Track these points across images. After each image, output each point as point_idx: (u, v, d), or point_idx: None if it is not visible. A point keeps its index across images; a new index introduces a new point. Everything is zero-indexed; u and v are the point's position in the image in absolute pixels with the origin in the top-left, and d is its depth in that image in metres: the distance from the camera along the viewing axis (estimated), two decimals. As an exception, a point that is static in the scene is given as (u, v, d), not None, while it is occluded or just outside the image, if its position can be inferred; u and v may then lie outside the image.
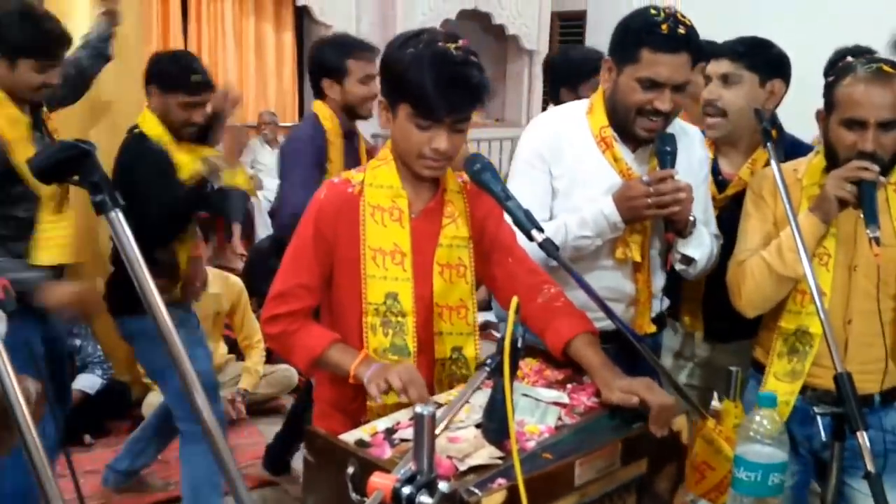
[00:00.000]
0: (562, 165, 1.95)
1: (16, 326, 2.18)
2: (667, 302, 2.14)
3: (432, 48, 1.49)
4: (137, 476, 3.21)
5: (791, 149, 2.14)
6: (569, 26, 7.75)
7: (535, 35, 7.26)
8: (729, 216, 2.11)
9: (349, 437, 1.28)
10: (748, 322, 1.98)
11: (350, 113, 2.83)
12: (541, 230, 1.37)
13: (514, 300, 1.13)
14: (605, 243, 1.94)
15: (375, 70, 2.47)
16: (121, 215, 0.87)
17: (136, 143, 2.68)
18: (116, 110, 3.13)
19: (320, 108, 2.83)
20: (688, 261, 1.95)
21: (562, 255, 1.88)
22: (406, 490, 0.92)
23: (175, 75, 2.66)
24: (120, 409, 3.84)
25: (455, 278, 1.62)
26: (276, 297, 1.59)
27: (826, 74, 1.96)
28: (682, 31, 1.81)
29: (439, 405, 1.34)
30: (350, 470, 1.17)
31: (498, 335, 1.74)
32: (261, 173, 6.36)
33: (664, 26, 1.80)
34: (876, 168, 1.71)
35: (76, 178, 0.88)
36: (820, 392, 1.81)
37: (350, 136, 2.89)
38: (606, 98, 1.95)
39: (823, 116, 1.84)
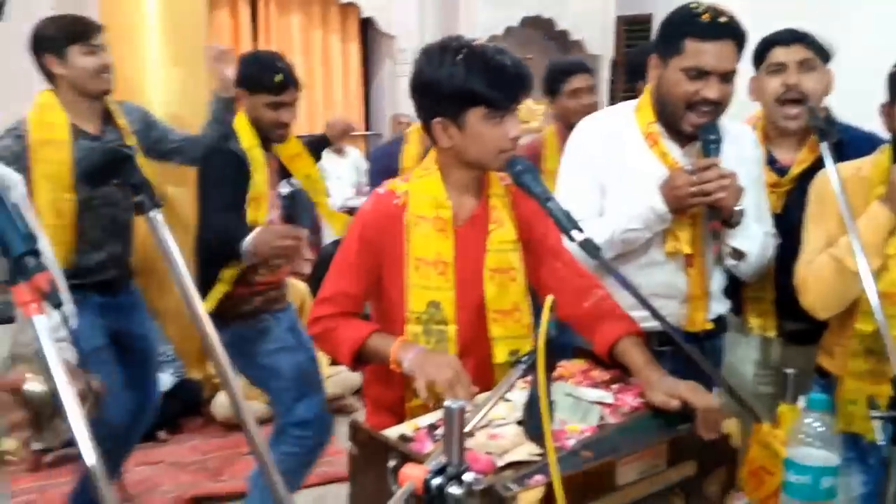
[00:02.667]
0: (610, 163, 1.95)
1: (85, 319, 2.31)
2: (727, 305, 2.09)
3: (472, 49, 1.54)
4: None
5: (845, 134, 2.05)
6: (634, 30, 7.65)
7: (599, 40, 7.19)
8: (797, 200, 2.03)
9: (393, 431, 1.31)
10: (824, 323, 1.92)
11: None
12: (581, 230, 1.36)
13: (549, 298, 1.14)
14: (656, 238, 1.92)
15: None
16: (160, 216, 0.91)
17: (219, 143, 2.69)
18: (186, 122, 3.25)
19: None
20: (738, 255, 1.92)
21: (612, 251, 1.92)
22: (436, 481, 0.93)
23: (258, 76, 2.64)
24: (192, 406, 3.99)
25: (507, 282, 1.63)
26: (320, 301, 1.64)
27: None
28: (723, 19, 1.81)
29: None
30: (391, 463, 1.19)
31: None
32: (327, 181, 6.47)
33: (705, 15, 1.81)
34: None
35: (119, 180, 0.94)
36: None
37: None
38: (654, 94, 1.95)
39: (888, 109, 1.78)
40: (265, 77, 2.63)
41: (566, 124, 3.06)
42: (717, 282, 2.01)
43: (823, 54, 2.15)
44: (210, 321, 0.88)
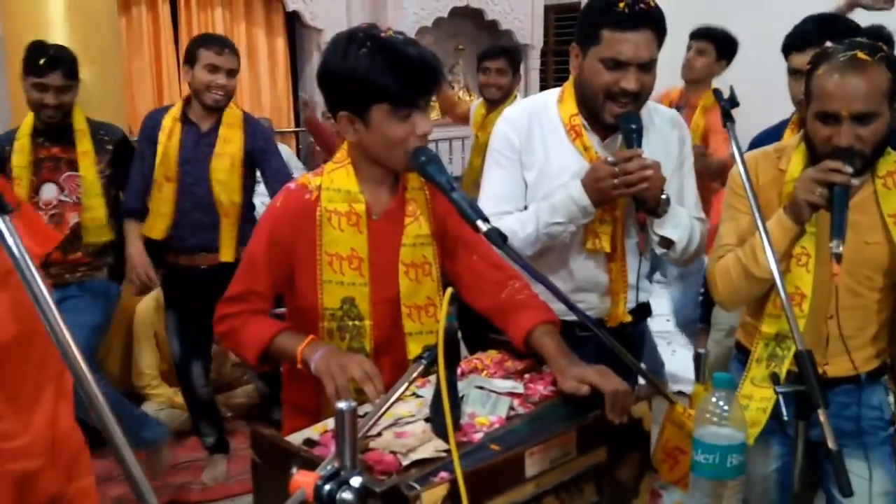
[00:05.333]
0: (532, 155, 1.94)
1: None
2: (648, 293, 2.11)
3: (377, 41, 1.48)
4: None
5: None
6: (563, 19, 7.71)
7: (528, 29, 7.22)
8: None
9: (298, 436, 1.27)
10: None
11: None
12: (486, 220, 1.34)
13: (449, 291, 1.12)
14: (577, 234, 1.92)
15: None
16: (8, 222, 0.86)
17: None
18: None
19: None
20: (667, 243, 1.92)
21: (537, 244, 1.91)
22: (327, 487, 0.90)
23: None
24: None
25: (421, 277, 1.60)
26: (228, 299, 1.59)
27: None
28: (642, 7, 1.79)
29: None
30: (293, 470, 1.15)
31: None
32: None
33: (622, 4, 1.78)
34: (848, 170, 1.60)
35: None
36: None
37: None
38: (575, 85, 1.94)
39: (804, 106, 1.75)
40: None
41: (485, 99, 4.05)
42: (635, 272, 2.00)
43: None
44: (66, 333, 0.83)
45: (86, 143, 3.04)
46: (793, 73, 2.23)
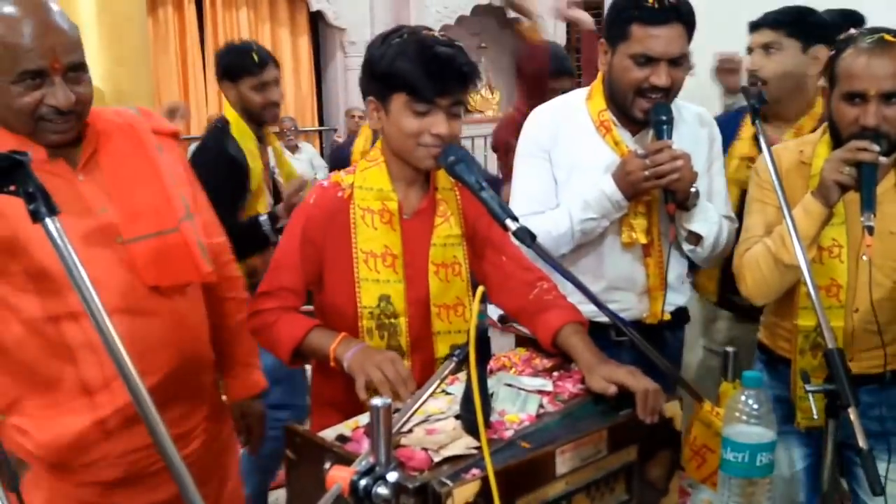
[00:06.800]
0: (561, 153, 1.94)
1: None
2: (686, 296, 2.09)
3: (416, 36, 1.51)
4: None
5: None
6: (586, 15, 7.68)
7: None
8: None
9: (330, 432, 1.29)
10: None
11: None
12: (515, 219, 1.35)
13: (480, 289, 1.13)
14: (612, 229, 1.92)
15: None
16: (57, 223, 0.88)
17: (215, 141, 2.71)
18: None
19: None
20: (695, 239, 1.91)
21: (571, 242, 1.91)
22: (363, 482, 0.92)
23: (236, 63, 2.73)
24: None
25: (451, 277, 1.61)
26: (260, 295, 1.61)
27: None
28: (671, 1, 1.78)
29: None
30: (326, 465, 1.18)
31: (519, 327, 1.72)
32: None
33: (651, 0, 1.77)
34: (876, 148, 1.61)
35: (12, 188, 0.90)
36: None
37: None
38: (604, 81, 1.94)
39: (827, 92, 1.77)
40: (244, 61, 2.71)
41: None
42: (675, 272, 1.99)
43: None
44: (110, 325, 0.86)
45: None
46: (748, 52, 2.30)
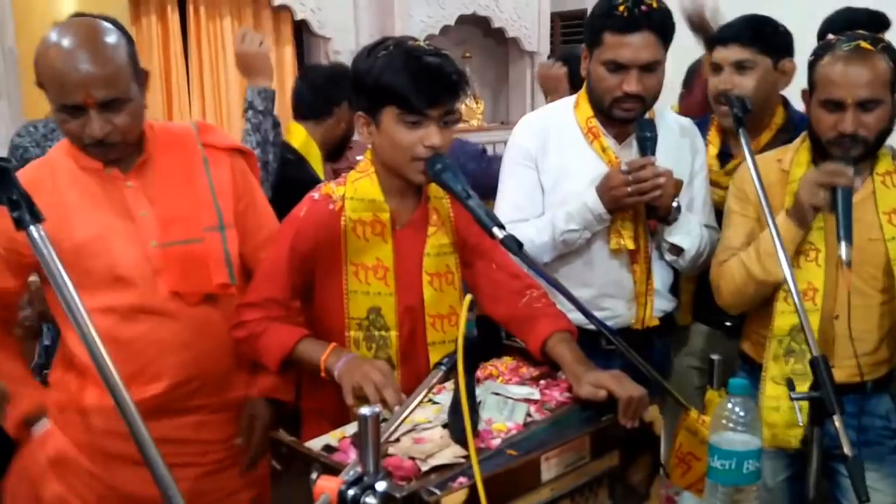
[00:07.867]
0: (549, 160, 1.96)
1: None
2: (673, 303, 2.10)
3: (402, 47, 1.51)
4: None
5: (802, 124, 1.99)
6: (570, 26, 7.72)
7: (535, 37, 7.24)
8: None
9: (316, 442, 1.28)
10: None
11: None
12: (502, 227, 1.36)
13: (468, 298, 1.13)
14: (600, 236, 1.93)
15: None
16: (42, 231, 0.88)
17: (297, 170, 2.66)
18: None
19: None
20: (677, 250, 1.94)
21: (554, 251, 1.92)
22: (351, 492, 0.92)
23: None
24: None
25: (444, 286, 1.62)
26: (246, 305, 1.60)
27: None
28: (643, 9, 1.81)
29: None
30: (313, 476, 1.17)
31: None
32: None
33: (622, 7, 1.81)
34: (850, 173, 1.64)
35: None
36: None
37: None
38: (587, 87, 1.96)
39: (808, 97, 1.80)
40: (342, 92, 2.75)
41: None
42: (662, 278, 2.02)
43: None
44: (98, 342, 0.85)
45: None
46: (714, 67, 2.15)
